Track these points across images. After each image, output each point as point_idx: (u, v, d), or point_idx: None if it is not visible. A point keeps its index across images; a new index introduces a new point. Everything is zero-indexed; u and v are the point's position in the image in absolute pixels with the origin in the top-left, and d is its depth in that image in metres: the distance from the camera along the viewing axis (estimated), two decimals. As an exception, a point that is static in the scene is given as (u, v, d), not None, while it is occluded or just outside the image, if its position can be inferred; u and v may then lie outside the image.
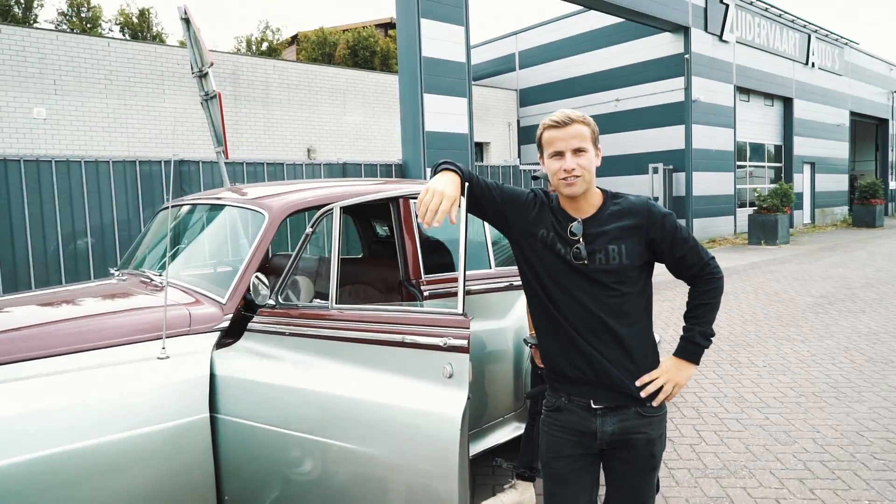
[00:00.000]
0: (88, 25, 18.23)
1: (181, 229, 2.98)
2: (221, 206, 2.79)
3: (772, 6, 19.05)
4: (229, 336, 2.25)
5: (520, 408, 3.35)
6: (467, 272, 3.32)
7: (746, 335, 6.55)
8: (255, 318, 2.17)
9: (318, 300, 2.33)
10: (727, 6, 17.33)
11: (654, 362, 1.82)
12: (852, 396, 4.56)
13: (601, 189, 1.84)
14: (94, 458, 1.79)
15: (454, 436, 1.65)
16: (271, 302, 2.14)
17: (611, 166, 17.79)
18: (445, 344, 1.70)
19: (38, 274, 7.02)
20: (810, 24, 21.13)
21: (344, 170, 9.66)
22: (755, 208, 17.01)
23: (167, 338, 2.06)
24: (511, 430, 3.32)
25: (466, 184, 1.79)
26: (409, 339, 1.76)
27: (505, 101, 20.14)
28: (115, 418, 1.85)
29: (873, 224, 21.52)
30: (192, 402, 1.97)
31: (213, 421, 2.03)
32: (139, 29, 19.32)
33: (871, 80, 26.01)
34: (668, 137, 17.01)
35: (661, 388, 1.77)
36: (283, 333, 2.06)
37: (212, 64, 5.38)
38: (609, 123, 17.84)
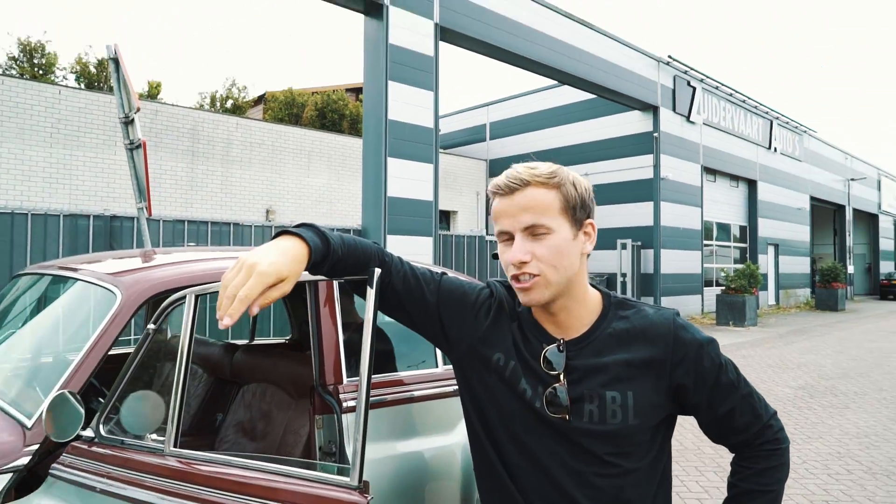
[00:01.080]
0: (41, 72, 17.56)
1: (26, 305, 2.25)
2: (75, 280, 2.09)
3: (736, 91, 19.56)
4: (34, 477, 1.50)
5: (469, 551, 2.59)
6: (407, 373, 2.63)
7: (728, 434, 5.90)
8: (64, 458, 1.44)
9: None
10: (694, 89, 17.67)
11: None
12: (859, 521, 3.91)
13: (600, 291, 1.19)
14: None
15: None
16: (89, 434, 1.42)
17: (579, 240, 17.46)
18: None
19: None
20: (772, 110, 21.78)
21: (297, 233, 8.99)
22: (722, 288, 16.79)
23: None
24: (457, 581, 2.55)
25: (376, 271, 1.15)
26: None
27: (474, 171, 19.96)
28: None
29: (835, 307, 21.56)
30: None
31: None
32: (96, 79, 18.73)
33: (828, 167, 26.82)
34: (638, 214, 16.88)
35: None
36: (94, 489, 1.33)
37: (138, 109, 4.79)
38: (578, 197, 17.64)
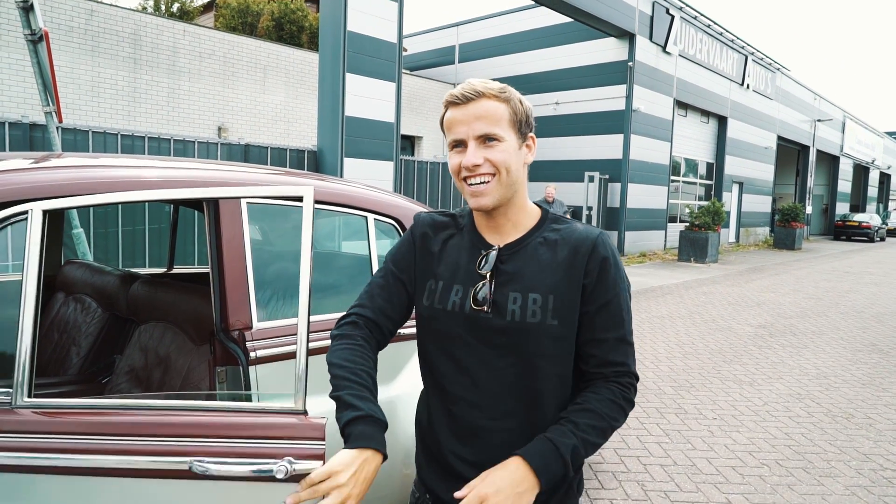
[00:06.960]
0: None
1: None
2: None
3: (715, 23, 18.92)
4: None
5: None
6: (336, 315, 2.15)
7: (689, 373, 5.76)
8: None
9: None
10: (673, 17, 16.97)
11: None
12: (822, 468, 3.77)
13: (539, 206, 1.30)
14: None
15: None
16: None
17: (546, 172, 17.10)
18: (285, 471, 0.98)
19: None
20: (748, 45, 21.25)
21: (246, 153, 8.32)
22: (686, 224, 16.75)
23: None
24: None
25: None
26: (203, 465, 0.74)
27: (442, 94, 19.05)
28: None
29: (793, 246, 21.92)
30: None
31: None
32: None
33: (797, 106, 26.70)
34: (606, 146, 16.47)
35: None
36: None
37: (38, -8, 4.06)
38: (547, 127, 17.14)
